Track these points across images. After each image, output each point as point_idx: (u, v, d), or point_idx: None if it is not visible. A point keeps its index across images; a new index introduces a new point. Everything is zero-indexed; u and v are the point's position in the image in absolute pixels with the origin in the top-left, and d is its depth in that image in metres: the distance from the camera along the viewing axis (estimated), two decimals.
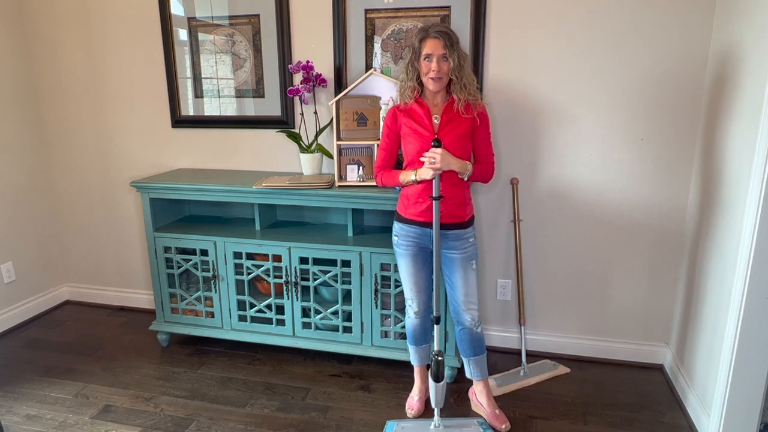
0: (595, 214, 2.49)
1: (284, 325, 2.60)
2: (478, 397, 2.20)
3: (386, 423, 2.14)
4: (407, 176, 1.97)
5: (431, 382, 2.03)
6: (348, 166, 2.48)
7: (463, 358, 2.19)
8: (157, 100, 2.94)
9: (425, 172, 1.91)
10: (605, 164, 2.43)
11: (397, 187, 2.11)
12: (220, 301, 2.65)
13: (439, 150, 1.87)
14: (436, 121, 1.96)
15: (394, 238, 2.09)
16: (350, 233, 2.56)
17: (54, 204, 3.29)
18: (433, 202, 1.92)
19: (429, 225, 2.00)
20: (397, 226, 2.08)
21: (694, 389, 2.20)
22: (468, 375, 2.21)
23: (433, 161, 1.87)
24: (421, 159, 1.92)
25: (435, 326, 2.04)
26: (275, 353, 2.72)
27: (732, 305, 1.87)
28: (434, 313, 2.03)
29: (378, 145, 2.41)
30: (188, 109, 2.91)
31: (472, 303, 2.08)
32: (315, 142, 2.64)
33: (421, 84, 1.98)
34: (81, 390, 2.43)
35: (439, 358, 1.98)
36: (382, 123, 2.41)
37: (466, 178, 1.98)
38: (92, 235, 3.28)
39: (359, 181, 2.46)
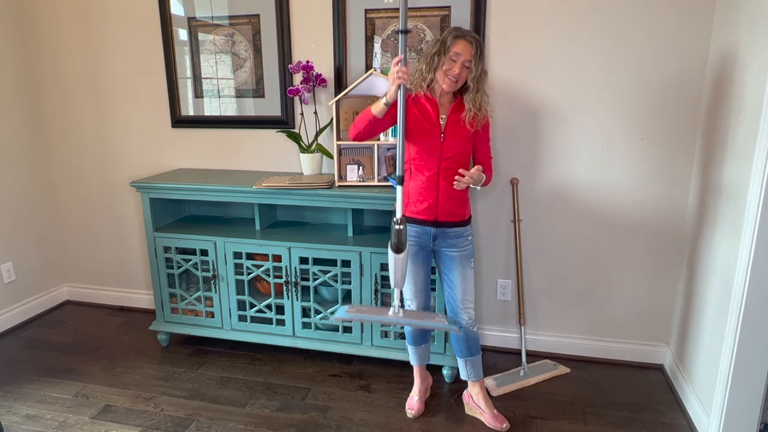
0: (595, 214, 2.49)
1: (284, 325, 2.60)
2: (475, 399, 2.20)
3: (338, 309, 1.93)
4: (378, 104, 1.89)
5: (390, 254, 1.80)
6: (348, 166, 2.48)
7: (458, 359, 2.19)
8: (157, 100, 2.94)
9: (391, 89, 1.82)
10: (605, 164, 2.43)
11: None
12: (220, 301, 2.65)
13: (404, 68, 1.78)
14: (442, 122, 1.97)
15: None
16: (350, 233, 2.56)
17: (54, 204, 3.29)
18: (397, 187, 1.82)
19: (429, 223, 2.01)
20: None
21: (694, 389, 2.20)
22: (464, 377, 2.20)
23: (399, 75, 1.76)
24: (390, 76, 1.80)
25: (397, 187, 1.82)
26: (275, 353, 2.72)
27: (732, 305, 1.87)
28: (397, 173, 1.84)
29: (378, 145, 2.42)
30: (188, 109, 2.91)
31: (470, 302, 2.09)
32: (315, 142, 2.64)
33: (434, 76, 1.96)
34: (81, 390, 2.43)
35: (400, 227, 1.78)
36: None
37: (479, 188, 2.02)
38: (92, 235, 3.28)
39: (359, 181, 2.47)
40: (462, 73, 1.90)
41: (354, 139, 1.98)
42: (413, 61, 2.48)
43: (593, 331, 2.63)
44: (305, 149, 2.62)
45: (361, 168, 2.48)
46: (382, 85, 2.43)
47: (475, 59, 1.89)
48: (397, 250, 1.78)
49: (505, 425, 2.11)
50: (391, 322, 1.82)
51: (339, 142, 2.44)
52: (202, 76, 2.84)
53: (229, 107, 2.85)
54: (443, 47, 1.91)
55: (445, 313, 2.32)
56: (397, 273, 1.82)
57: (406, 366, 2.45)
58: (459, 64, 1.88)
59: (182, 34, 2.80)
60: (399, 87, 1.79)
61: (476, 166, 1.93)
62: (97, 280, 3.35)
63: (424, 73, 1.96)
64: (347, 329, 2.54)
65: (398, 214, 1.81)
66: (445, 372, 2.44)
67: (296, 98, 2.68)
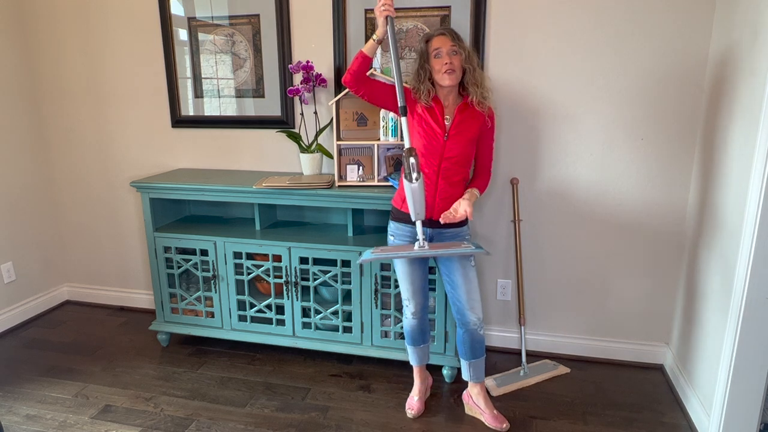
0: (595, 214, 2.49)
1: (284, 325, 2.60)
2: (475, 399, 2.19)
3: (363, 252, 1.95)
4: (368, 43, 1.92)
5: (406, 185, 1.79)
6: (348, 166, 2.48)
7: (462, 360, 2.18)
8: (157, 100, 2.94)
9: (379, 23, 1.85)
10: (605, 164, 2.43)
11: (394, 184, 2.10)
12: (220, 301, 2.65)
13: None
14: (447, 122, 1.98)
15: (390, 238, 2.10)
16: (350, 233, 2.56)
17: (54, 204, 3.29)
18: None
19: (425, 222, 2.01)
20: (393, 226, 2.08)
21: (694, 389, 2.20)
22: (465, 377, 2.20)
23: (386, 8, 1.79)
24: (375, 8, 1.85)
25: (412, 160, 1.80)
26: (275, 353, 2.72)
27: (732, 305, 1.87)
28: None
29: (378, 145, 2.42)
30: (188, 109, 2.91)
31: (476, 301, 2.07)
32: (315, 142, 2.64)
33: (433, 85, 1.99)
34: (81, 390, 2.43)
35: (410, 157, 1.79)
36: (382, 123, 2.41)
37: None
38: (92, 235, 3.28)
39: (359, 181, 2.47)
40: (454, 61, 1.91)
41: (346, 83, 1.98)
42: (412, 61, 2.48)
43: (593, 331, 2.63)
44: (305, 149, 2.62)
45: (361, 168, 2.48)
46: None
47: (458, 43, 1.92)
48: (412, 179, 1.78)
49: (505, 425, 2.11)
50: (418, 255, 1.90)
51: (339, 142, 2.44)
52: (202, 76, 2.84)
53: (229, 107, 2.85)
54: (423, 56, 1.96)
55: (443, 317, 2.32)
56: (416, 202, 1.80)
57: (406, 366, 2.45)
58: (445, 53, 1.90)
59: (182, 34, 2.80)
60: (386, 20, 1.81)
61: (459, 201, 1.93)
62: (97, 280, 3.35)
63: (421, 86, 1.97)
64: (347, 329, 2.54)
65: (407, 145, 1.85)
66: (445, 372, 2.44)
67: (296, 98, 2.68)
